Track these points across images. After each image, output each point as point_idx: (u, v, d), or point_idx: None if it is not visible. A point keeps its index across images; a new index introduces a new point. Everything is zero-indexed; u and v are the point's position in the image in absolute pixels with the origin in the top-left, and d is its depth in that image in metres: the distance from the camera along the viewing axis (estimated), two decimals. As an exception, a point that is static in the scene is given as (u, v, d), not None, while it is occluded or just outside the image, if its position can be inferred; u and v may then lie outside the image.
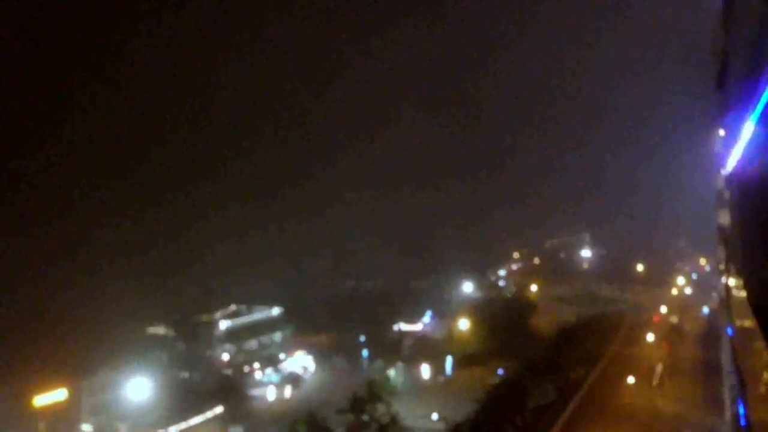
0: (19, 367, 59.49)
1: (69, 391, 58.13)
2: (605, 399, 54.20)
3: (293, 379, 73.77)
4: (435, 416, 53.99)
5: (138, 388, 63.43)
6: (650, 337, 74.92)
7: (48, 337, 71.11)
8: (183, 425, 60.25)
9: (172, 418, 60.54)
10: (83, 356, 67.07)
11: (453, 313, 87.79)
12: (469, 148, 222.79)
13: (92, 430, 59.56)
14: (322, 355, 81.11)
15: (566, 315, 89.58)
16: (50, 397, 56.57)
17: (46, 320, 78.24)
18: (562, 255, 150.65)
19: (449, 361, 71.20)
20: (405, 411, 55.58)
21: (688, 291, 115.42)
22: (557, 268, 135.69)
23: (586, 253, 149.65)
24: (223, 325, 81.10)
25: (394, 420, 54.18)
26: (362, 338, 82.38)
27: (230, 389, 66.99)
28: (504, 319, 77.73)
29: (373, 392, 54.84)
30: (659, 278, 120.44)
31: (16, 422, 54.43)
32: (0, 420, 53.86)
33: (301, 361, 79.34)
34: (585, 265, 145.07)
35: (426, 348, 76.89)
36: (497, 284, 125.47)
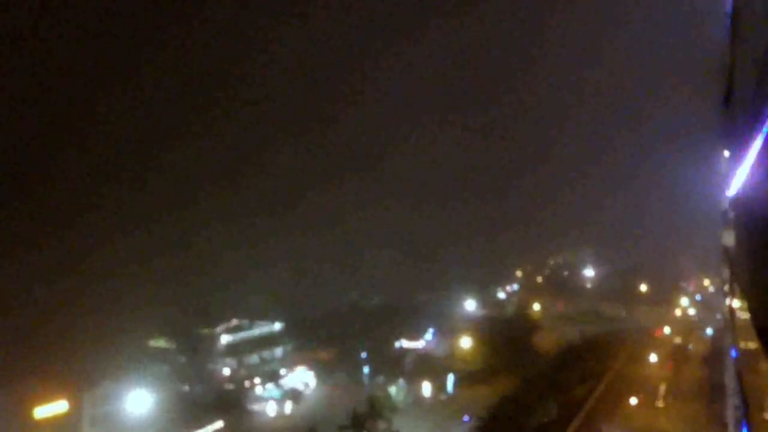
0: (20, 379, 59.26)
1: (70, 403, 57.96)
2: (608, 418, 53.88)
3: (294, 395, 73.34)
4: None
5: (139, 400, 63.17)
6: (653, 357, 74.60)
7: (49, 348, 70.95)
8: (183, 439, 59.88)
9: (173, 431, 60.20)
10: (84, 368, 66.84)
11: (455, 331, 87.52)
12: (475, 164, 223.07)
13: (92, 442, 59.19)
14: (323, 371, 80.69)
15: (569, 333, 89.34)
16: (51, 408, 56.41)
17: (47, 332, 78.11)
18: (566, 273, 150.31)
19: (451, 378, 70.83)
20: (406, 428, 55.35)
21: (691, 312, 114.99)
22: (561, 286, 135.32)
23: (589, 271, 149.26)
24: (225, 339, 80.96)
25: (395, 437, 54.01)
26: (364, 354, 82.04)
27: (231, 403, 66.68)
28: (506, 337, 77.53)
29: (375, 409, 54.71)
30: (663, 298, 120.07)
31: (16, 434, 54.20)
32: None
33: (302, 377, 78.95)
34: (588, 284, 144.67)
35: (428, 365, 76.49)
36: (500, 302, 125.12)
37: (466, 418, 49.12)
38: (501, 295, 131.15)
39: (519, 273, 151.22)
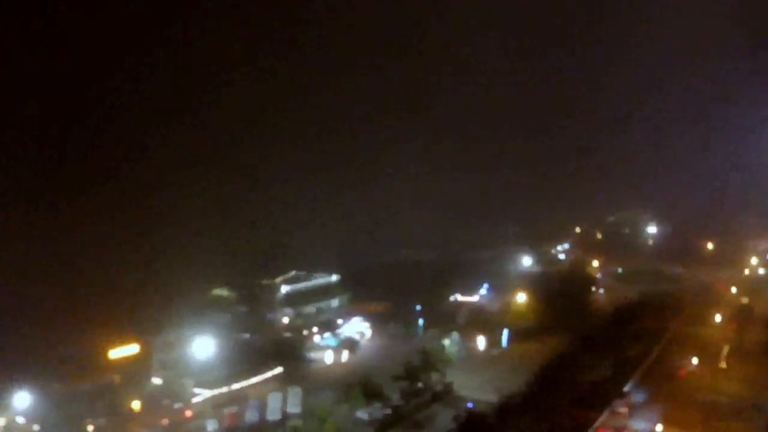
0: (97, 324, 63.39)
1: (141, 347, 61.80)
2: (666, 379, 53.14)
3: (350, 344, 75.28)
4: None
5: (203, 347, 66.35)
6: (717, 317, 72.51)
7: (122, 297, 75.24)
8: (244, 383, 62.87)
9: (234, 376, 63.21)
10: (153, 315, 70.60)
11: (510, 286, 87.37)
12: (536, 120, 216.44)
13: (162, 383, 62.95)
14: (378, 323, 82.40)
15: (627, 292, 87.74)
16: (124, 350, 60.38)
17: (120, 282, 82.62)
18: (626, 230, 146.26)
19: (505, 333, 71.08)
20: (459, 381, 56.26)
21: (761, 272, 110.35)
22: (620, 244, 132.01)
23: (651, 229, 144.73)
24: (284, 289, 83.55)
25: (447, 389, 55.06)
26: (418, 307, 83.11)
27: (289, 351, 69.23)
28: (562, 294, 76.80)
29: (428, 361, 55.72)
30: (730, 257, 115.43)
31: (94, 373, 58.26)
32: (81, 371, 57.70)
33: (357, 327, 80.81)
34: (650, 242, 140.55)
35: (482, 320, 76.96)
36: (556, 259, 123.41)
37: (470, 404, 48.86)
38: (557, 251, 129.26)
39: (577, 230, 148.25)
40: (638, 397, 48.26)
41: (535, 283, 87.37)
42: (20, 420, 53.89)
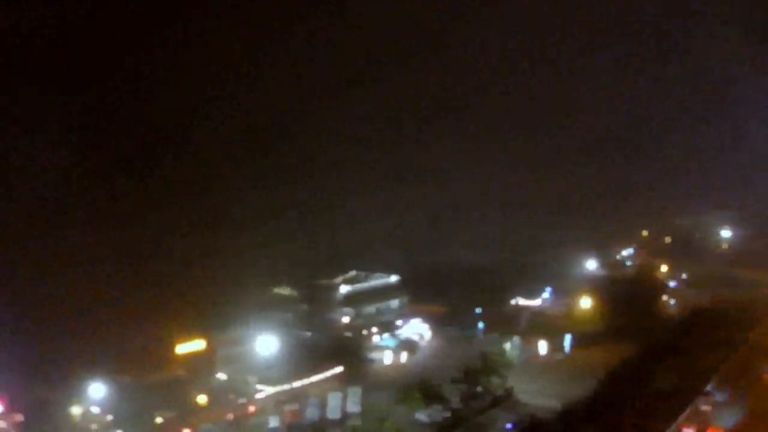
0: (165, 320, 65.96)
1: (206, 343, 63.86)
2: (749, 383, 50.50)
3: (409, 346, 75.34)
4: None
5: (265, 344, 67.88)
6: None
7: (189, 293, 78.01)
8: (305, 381, 63.89)
9: (295, 374, 64.34)
10: (218, 312, 72.78)
11: (574, 290, 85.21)
12: (603, 121, 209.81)
13: (226, 378, 64.78)
14: (437, 324, 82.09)
15: (699, 298, 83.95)
16: (190, 346, 62.55)
17: (187, 280, 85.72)
18: (697, 234, 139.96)
19: (568, 339, 69.41)
20: (520, 386, 55.31)
21: None
22: (691, 248, 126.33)
23: (725, 232, 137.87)
24: (344, 289, 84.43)
25: (508, 393, 54.23)
26: (478, 310, 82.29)
27: (349, 351, 69.97)
28: (628, 299, 74.38)
29: (488, 364, 55.06)
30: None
31: (163, 367, 60.57)
32: (150, 365, 60.12)
33: (417, 329, 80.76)
34: (723, 247, 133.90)
35: (544, 324, 75.42)
36: (623, 263, 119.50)
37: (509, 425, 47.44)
38: (624, 255, 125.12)
39: (644, 233, 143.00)
40: (721, 397, 46.35)
41: (600, 287, 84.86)
42: (95, 410, 56.65)
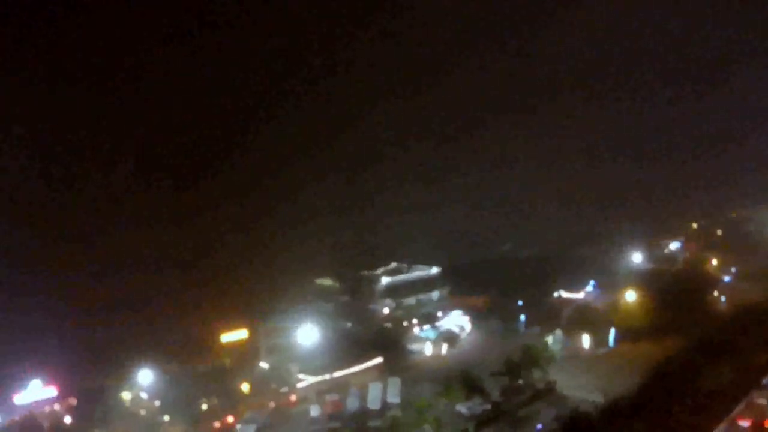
0: (210, 310, 67.59)
1: (250, 332, 65.09)
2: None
3: (449, 337, 75.12)
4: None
5: (307, 334, 68.76)
6: None
7: (233, 284, 79.69)
8: (346, 371, 64.44)
9: (336, 364, 64.99)
10: (261, 303, 74.07)
11: (619, 284, 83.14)
12: (654, 116, 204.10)
13: (269, 367, 65.90)
14: (477, 317, 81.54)
15: (752, 293, 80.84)
16: (234, 336, 63.87)
17: (232, 272, 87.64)
18: (751, 228, 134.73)
19: (612, 333, 67.94)
20: (562, 380, 54.46)
21: None
22: (743, 241, 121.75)
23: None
24: (385, 280, 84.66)
25: (550, 387, 53.48)
26: (520, 303, 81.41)
27: (389, 342, 70.23)
28: (676, 293, 72.16)
29: (530, 357, 54.39)
30: None
31: (208, 356, 62.05)
32: (196, 353, 61.68)
33: (457, 321, 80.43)
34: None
35: (587, 318, 73.81)
36: (671, 256, 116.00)
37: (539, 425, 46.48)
38: (672, 248, 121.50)
39: (694, 226, 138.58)
40: None
41: (646, 281, 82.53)
42: (144, 396, 58.48)
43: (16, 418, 52.00)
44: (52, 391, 54.33)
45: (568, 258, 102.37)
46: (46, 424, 52.12)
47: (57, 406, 54.90)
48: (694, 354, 50.37)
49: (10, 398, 52.45)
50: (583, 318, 73.78)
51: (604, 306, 79.45)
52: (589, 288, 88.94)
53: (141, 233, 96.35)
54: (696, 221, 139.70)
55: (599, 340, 67.39)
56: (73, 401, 55.48)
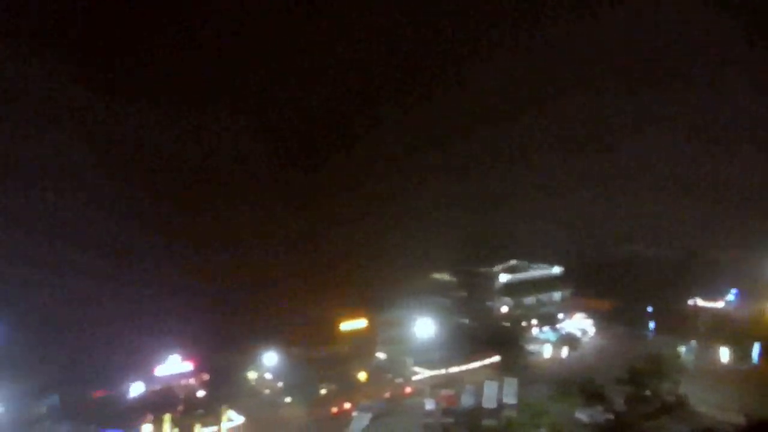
0: (331, 299, 70.03)
1: (368, 322, 66.63)
2: None
3: (570, 341, 72.44)
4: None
5: (423, 327, 69.21)
6: None
7: (354, 275, 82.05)
8: (461, 367, 64.16)
9: (451, 359, 64.87)
10: (380, 295, 75.47)
11: (765, 293, 75.69)
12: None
13: (385, 358, 67.15)
14: (602, 320, 77.86)
15: None
16: (353, 324, 65.68)
17: (352, 262, 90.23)
18: None
19: (756, 347, 61.96)
20: (695, 394, 50.67)
21: None
22: None
23: None
24: (503, 278, 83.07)
25: (681, 401, 49.86)
26: (649, 308, 76.64)
27: (507, 341, 68.92)
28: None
29: (659, 367, 51.09)
30: None
31: (327, 342, 64.33)
32: (316, 339, 64.20)
33: (579, 324, 77.38)
34: None
35: (727, 329, 67.97)
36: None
37: None
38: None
39: None
40: None
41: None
42: (268, 376, 61.83)
43: (157, 388, 57.06)
44: (188, 366, 58.86)
45: (706, 261, 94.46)
46: (181, 396, 56.75)
47: (192, 380, 59.47)
48: None
49: (152, 370, 57.46)
50: (722, 329, 68.10)
51: (747, 317, 72.76)
52: (730, 297, 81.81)
53: (268, 224, 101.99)
54: None
55: (740, 355, 61.88)
56: (206, 377, 59.84)
